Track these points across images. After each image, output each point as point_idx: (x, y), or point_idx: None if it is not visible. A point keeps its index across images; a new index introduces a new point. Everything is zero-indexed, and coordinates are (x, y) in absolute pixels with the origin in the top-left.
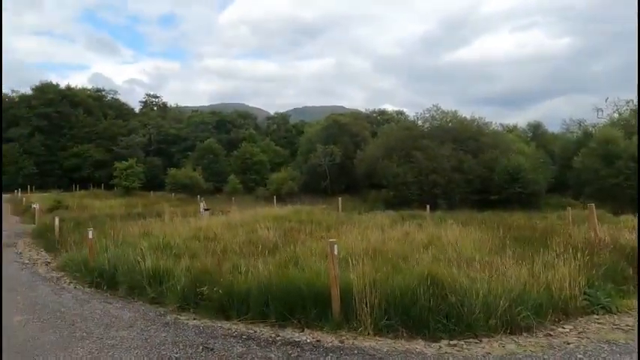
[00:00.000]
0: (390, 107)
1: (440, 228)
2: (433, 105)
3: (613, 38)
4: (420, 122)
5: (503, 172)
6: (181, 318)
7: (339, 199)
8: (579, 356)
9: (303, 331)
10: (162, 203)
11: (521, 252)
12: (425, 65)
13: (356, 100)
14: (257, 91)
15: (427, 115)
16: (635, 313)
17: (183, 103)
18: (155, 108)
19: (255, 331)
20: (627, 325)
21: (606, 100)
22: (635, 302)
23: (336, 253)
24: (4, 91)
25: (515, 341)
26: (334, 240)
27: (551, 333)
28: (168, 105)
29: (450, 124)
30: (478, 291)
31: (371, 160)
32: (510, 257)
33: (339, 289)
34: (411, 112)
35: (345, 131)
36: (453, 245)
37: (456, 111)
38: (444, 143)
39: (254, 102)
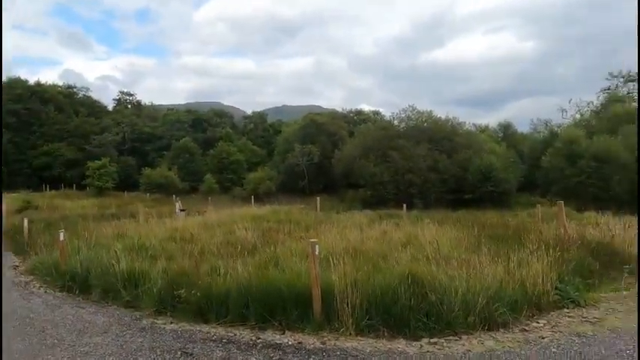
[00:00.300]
0: (366, 107)
1: (417, 227)
2: (409, 105)
3: (575, 43)
4: (396, 122)
5: (477, 171)
6: (158, 322)
7: (317, 198)
8: (553, 350)
9: (284, 333)
10: (136, 204)
11: (496, 250)
12: (401, 65)
13: (334, 99)
14: (234, 89)
15: (403, 115)
16: (601, 306)
17: (159, 102)
18: (129, 106)
19: (235, 335)
20: (594, 318)
21: (570, 102)
22: (600, 295)
23: (317, 253)
24: None
25: (494, 337)
26: (315, 240)
27: (527, 328)
28: (143, 103)
29: (425, 124)
30: (457, 289)
31: (348, 160)
32: (486, 255)
33: (320, 290)
34: (387, 112)
35: (323, 131)
36: (430, 244)
37: (431, 111)
38: (420, 143)
39: (230, 100)
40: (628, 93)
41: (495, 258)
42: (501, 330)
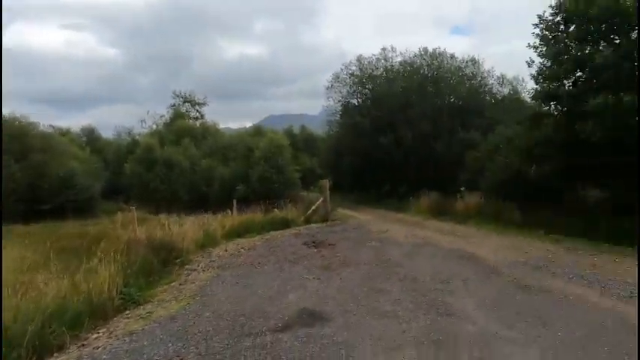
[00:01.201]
0: None
1: None
2: None
3: (151, 59)
4: None
5: (56, 178)
6: None
7: None
8: (104, 357)
9: None
10: None
11: (66, 263)
12: None
13: None
14: None
15: None
16: (155, 299)
17: None
18: None
19: None
20: (147, 312)
21: (148, 113)
22: (157, 290)
23: None
24: None
25: None
26: None
27: (85, 342)
28: None
29: None
30: None
31: None
32: (55, 271)
33: None
34: None
35: None
36: None
37: None
38: None
39: None
40: (187, 111)
41: (62, 273)
42: (56, 354)
